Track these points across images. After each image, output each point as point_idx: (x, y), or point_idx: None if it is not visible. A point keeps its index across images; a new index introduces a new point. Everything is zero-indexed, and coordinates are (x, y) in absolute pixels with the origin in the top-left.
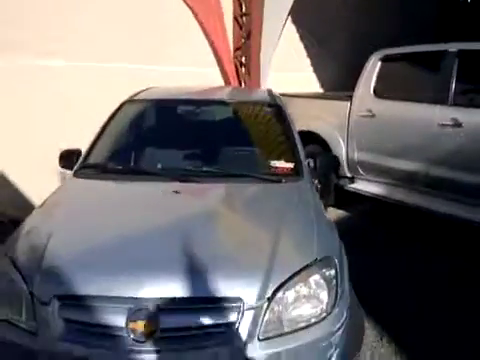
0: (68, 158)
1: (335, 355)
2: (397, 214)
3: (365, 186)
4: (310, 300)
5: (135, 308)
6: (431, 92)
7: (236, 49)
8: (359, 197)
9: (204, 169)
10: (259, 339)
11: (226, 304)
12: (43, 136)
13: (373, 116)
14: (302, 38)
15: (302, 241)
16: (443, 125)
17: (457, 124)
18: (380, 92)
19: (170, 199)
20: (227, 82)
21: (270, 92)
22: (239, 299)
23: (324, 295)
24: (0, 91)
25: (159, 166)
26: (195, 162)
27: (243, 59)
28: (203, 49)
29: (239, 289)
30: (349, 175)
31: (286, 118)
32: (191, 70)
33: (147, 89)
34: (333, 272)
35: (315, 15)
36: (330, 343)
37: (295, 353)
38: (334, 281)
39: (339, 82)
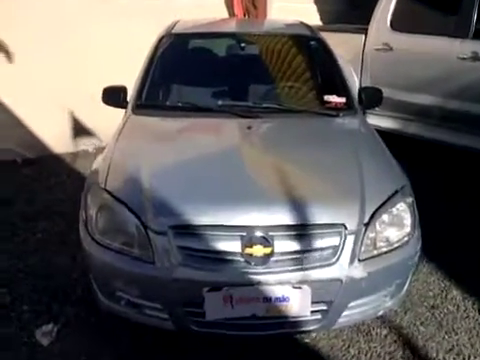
0: (113, 95)
1: (413, 269)
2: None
3: (378, 121)
4: (397, 225)
5: (249, 235)
6: (451, 25)
7: None
8: None
9: (264, 105)
10: (359, 260)
11: (331, 229)
12: (54, 74)
13: (390, 49)
14: None
15: (382, 172)
16: (463, 59)
17: (477, 58)
18: (397, 25)
19: (246, 133)
20: (232, 13)
21: (306, 25)
22: (342, 225)
23: (407, 220)
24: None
25: (219, 102)
26: (253, 98)
27: None
28: None
29: (342, 216)
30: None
31: (331, 52)
32: (193, 1)
33: (177, 22)
34: (412, 199)
35: None
36: (414, 262)
37: (388, 271)
38: (413, 207)
39: (339, 15)
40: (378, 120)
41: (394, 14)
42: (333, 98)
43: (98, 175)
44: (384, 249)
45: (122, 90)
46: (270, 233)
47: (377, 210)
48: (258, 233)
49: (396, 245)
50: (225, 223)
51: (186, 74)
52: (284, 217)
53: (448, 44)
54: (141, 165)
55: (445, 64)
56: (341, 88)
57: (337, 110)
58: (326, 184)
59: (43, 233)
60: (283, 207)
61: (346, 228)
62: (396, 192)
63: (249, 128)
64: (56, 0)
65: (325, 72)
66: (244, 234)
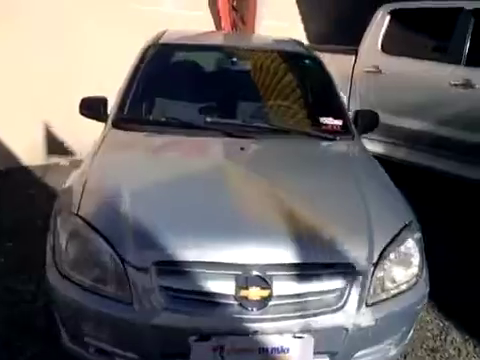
0: (92, 106)
1: (419, 315)
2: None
3: (365, 144)
4: (405, 264)
5: (244, 274)
6: (443, 51)
7: None
8: None
9: (257, 125)
10: (367, 304)
11: (337, 270)
12: (29, 81)
13: (379, 72)
14: None
15: (388, 204)
16: (455, 85)
17: (470, 85)
18: (388, 48)
19: (239, 156)
20: (219, 27)
21: (299, 42)
22: (350, 265)
23: (416, 259)
24: None
25: (208, 119)
26: (244, 116)
27: (234, 3)
28: None
29: (349, 254)
30: None
31: (327, 72)
32: (182, 13)
33: (164, 32)
34: (420, 235)
35: None
36: (422, 306)
37: (396, 317)
38: (421, 244)
39: (325, 36)
40: (366, 144)
41: (385, 36)
42: (329, 121)
43: (71, 197)
44: (392, 292)
45: (102, 102)
46: (268, 273)
47: (385, 248)
48: (255, 272)
49: (404, 288)
50: (217, 260)
51: (172, 87)
52: (285, 255)
53: (440, 70)
54: (121, 188)
55: (436, 90)
56: (337, 110)
57: (334, 133)
58: (331, 218)
59: (6, 255)
60: (284, 243)
61: (354, 268)
62: (404, 227)
63: (242, 149)
64: (36, 7)
65: (322, 93)
66: (239, 273)
